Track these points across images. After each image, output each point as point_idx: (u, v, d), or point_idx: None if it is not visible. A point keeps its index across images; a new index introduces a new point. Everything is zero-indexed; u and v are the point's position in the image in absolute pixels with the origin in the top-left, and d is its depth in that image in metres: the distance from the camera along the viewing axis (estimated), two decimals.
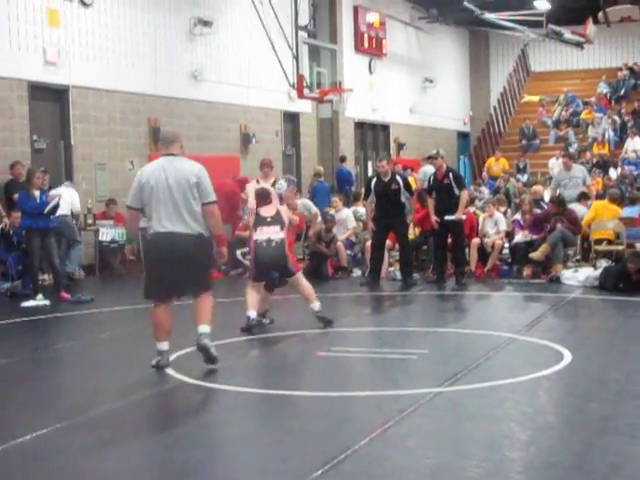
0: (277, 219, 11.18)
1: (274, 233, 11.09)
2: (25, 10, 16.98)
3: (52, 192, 14.90)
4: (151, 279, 9.09)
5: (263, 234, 11.11)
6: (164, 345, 8.99)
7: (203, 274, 9.09)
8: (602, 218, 16.72)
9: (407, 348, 10.03)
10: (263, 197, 11.51)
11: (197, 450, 6.49)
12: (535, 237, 15.94)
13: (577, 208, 17.08)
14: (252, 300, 11.11)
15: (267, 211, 11.27)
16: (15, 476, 6.11)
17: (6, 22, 16.57)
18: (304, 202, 18.02)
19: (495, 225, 16.53)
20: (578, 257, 16.42)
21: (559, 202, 16.39)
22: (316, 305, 11.27)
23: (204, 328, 8.93)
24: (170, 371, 8.90)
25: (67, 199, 15.97)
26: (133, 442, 6.83)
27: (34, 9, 17.17)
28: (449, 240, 15.75)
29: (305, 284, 11.30)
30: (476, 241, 16.28)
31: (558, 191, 17.88)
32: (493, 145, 35.20)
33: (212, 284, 9.28)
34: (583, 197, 17.92)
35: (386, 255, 16.22)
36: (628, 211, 17.12)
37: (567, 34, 33.01)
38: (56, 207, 14.54)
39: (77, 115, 18.21)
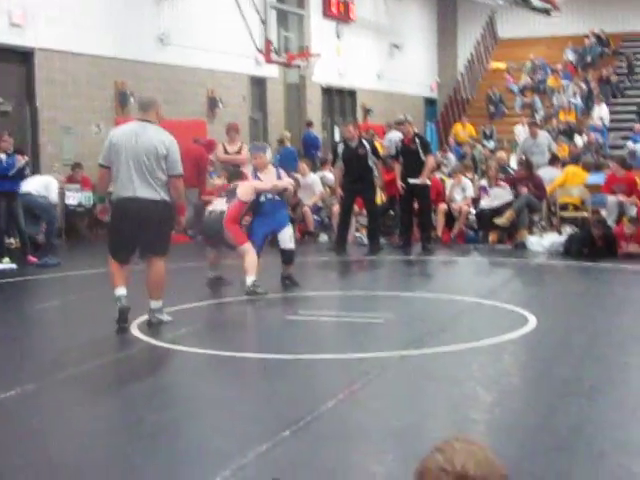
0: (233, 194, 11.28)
1: (222, 205, 11.24)
2: None
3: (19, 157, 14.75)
4: (114, 241, 9.29)
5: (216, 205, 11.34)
6: (121, 290, 9.12)
7: (162, 238, 9.22)
8: (572, 183, 16.84)
9: (373, 312, 10.11)
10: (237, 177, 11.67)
11: (166, 411, 6.55)
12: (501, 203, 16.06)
13: (549, 171, 17.30)
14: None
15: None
16: None
17: None
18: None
19: (462, 191, 16.63)
20: (543, 223, 16.53)
21: (527, 165, 16.55)
22: (249, 280, 10.93)
23: (155, 304, 9.28)
24: (137, 333, 8.95)
25: (51, 186, 15.79)
26: (103, 403, 6.87)
27: None
28: (415, 205, 15.82)
29: (247, 258, 11.09)
30: (443, 206, 16.37)
31: (524, 157, 18.05)
32: (460, 111, 35.22)
33: (167, 251, 9.36)
34: (555, 160, 18.18)
35: (353, 220, 16.27)
36: (594, 178, 17.25)
37: (535, 1, 33.05)
38: (23, 169, 14.44)
39: (43, 78, 18.07)
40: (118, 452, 5.85)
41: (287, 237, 11.75)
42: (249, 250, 11.17)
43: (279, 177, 11.74)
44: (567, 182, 16.90)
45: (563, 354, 8.24)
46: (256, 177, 11.63)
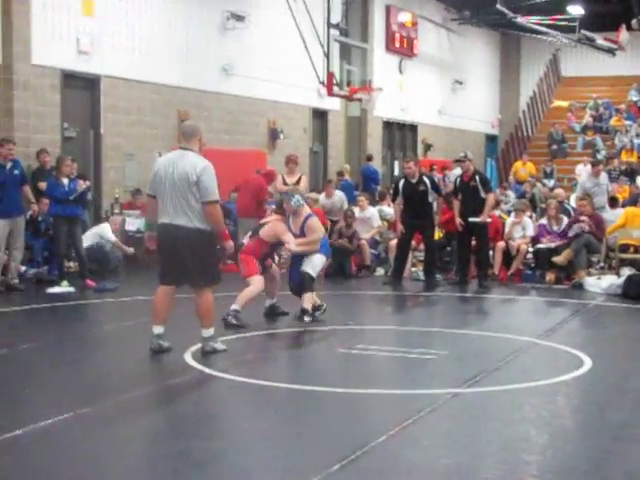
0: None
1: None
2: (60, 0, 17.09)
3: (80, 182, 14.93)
4: (160, 265, 9.57)
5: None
6: (157, 328, 9.39)
7: (201, 268, 9.27)
8: (632, 225, 16.67)
9: (427, 348, 10.06)
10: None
11: (215, 440, 6.57)
12: (559, 243, 15.94)
13: (609, 212, 17.28)
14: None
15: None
16: (33, 460, 6.16)
17: (41, 11, 16.67)
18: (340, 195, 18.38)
19: (522, 230, 16.51)
20: (602, 264, 16.37)
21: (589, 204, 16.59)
22: (233, 306, 11.06)
23: (206, 332, 9.41)
24: (190, 361, 9.00)
25: (105, 232, 16.21)
26: (153, 429, 6.92)
27: None
28: (473, 242, 15.78)
29: (249, 288, 11.25)
30: (501, 244, 16.26)
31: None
32: (521, 149, 35.09)
33: (213, 280, 9.46)
34: (615, 202, 18.13)
35: (410, 255, 16.25)
36: None
37: (599, 40, 32.91)
38: (84, 194, 14.65)
39: (107, 105, 18.33)
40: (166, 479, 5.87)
41: (307, 262, 11.67)
42: (255, 282, 11.30)
43: (304, 225, 11.73)
44: (627, 224, 16.73)
45: (618, 398, 8.14)
46: (289, 221, 11.78)
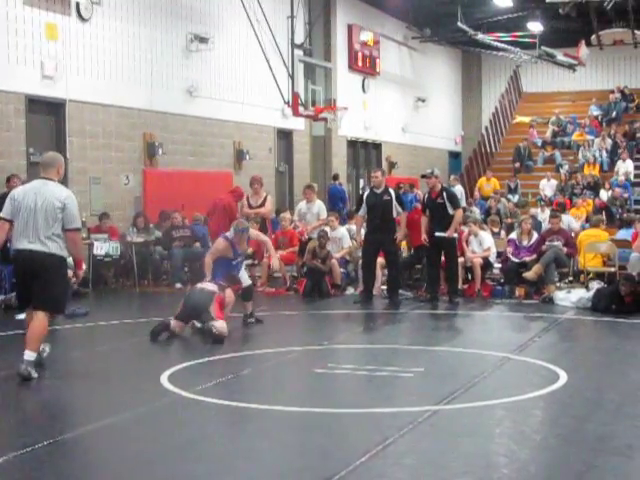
0: None
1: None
2: (24, 24, 17.01)
3: None
4: (17, 290, 10.15)
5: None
6: (26, 354, 9.38)
7: (49, 292, 9.45)
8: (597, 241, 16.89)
9: (403, 366, 10.08)
10: None
11: (200, 464, 6.54)
12: (528, 258, 16.04)
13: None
14: None
15: None
16: None
17: (5, 36, 16.60)
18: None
19: (480, 245, 16.59)
20: (570, 278, 16.49)
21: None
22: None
23: (30, 355, 9.39)
24: (168, 385, 8.96)
25: None
26: (135, 455, 6.85)
27: (32, 23, 17.20)
28: (442, 259, 15.81)
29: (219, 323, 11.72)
30: (461, 260, 16.30)
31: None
32: (484, 165, 35.28)
33: (56, 308, 9.74)
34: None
35: (379, 273, 16.26)
36: (622, 233, 17.26)
37: (560, 56, 33.19)
38: None
39: (73, 129, 18.24)
40: None
41: (245, 276, 13.26)
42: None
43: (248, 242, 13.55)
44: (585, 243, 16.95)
45: (596, 411, 8.18)
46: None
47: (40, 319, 9.46)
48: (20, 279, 9.73)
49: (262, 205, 17.72)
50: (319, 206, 18.58)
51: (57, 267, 9.47)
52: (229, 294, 12.56)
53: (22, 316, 13.66)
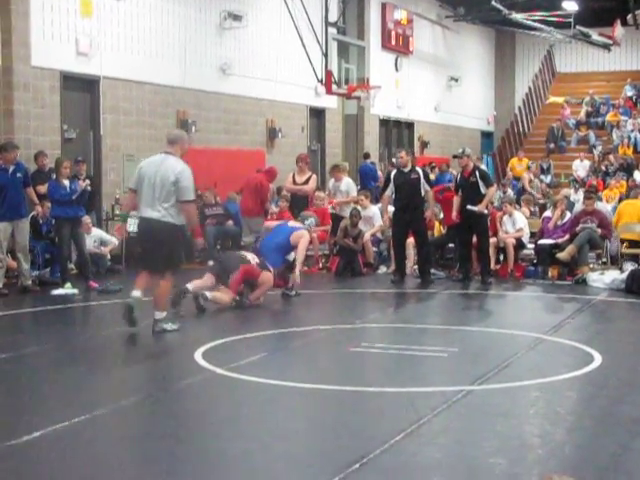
0: None
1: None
2: (59, 0, 17.05)
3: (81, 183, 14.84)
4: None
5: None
6: (135, 292, 10.50)
7: (166, 257, 10.45)
8: (630, 219, 16.76)
9: (436, 346, 10.08)
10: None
11: (233, 442, 6.57)
12: (561, 239, 15.96)
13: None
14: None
15: None
16: (48, 463, 6.16)
17: (40, 12, 16.64)
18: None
19: (513, 225, 16.52)
20: (605, 260, 16.39)
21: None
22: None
23: (159, 315, 10.55)
24: (203, 362, 8.99)
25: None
26: (169, 432, 6.88)
27: (68, 0, 17.26)
28: (474, 239, 15.74)
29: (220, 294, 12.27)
30: (493, 240, 16.22)
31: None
32: (517, 145, 35.13)
33: (173, 267, 10.67)
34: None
35: (411, 252, 16.22)
36: None
37: (594, 36, 32.95)
38: (85, 192, 14.56)
39: (107, 106, 18.31)
40: None
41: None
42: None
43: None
44: (624, 215, 16.82)
45: (631, 393, 8.15)
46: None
47: (162, 282, 10.50)
48: (142, 244, 10.75)
49: (306, 183, 17.73)
50: (347, 184, 18.54)
51: (172, 234, 10.41)
52: (268, 278, 12.64)
53: (59, 292, 13.87)
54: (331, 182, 18.96)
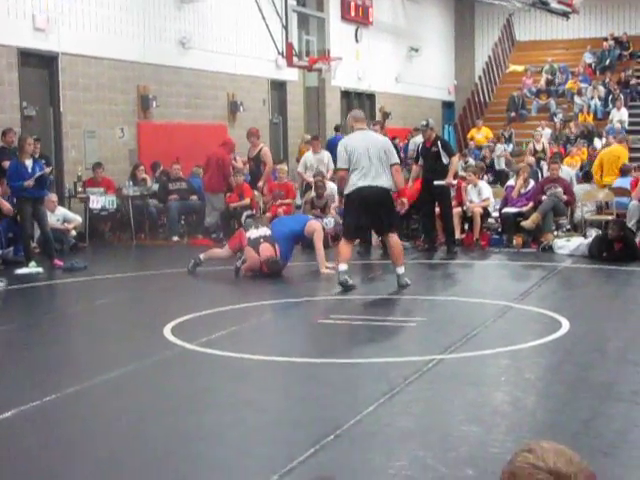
0: None
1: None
2: None
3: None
4: (351, 222, 11.75)
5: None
6: (343, 266, 11.53)
7: (391, 217, 11.81)
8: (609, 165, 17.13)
9: (405, 316, 10.12)
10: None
11: (207, 415, 6.57)
12: (525, 208, 16.01)
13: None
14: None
15: None
16: (23, 442, 6.12)
17: None
18: None
19: (478, 194, 16.55)
20: (569, 226, 16.48)
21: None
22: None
23: (400, 269, 11.76)
24: (172, 337, 8.95)
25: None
26: (140, 408, 6.87)
27: None
28: (437, 209, 15.75)
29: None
30: (457, 209, 16.24)
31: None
32: (478, 114, 35.14)
33: (396, 227, 12.21)
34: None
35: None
36: (620, 181, 17.24)
37: (553, 3, 32.96)
38: (43, 177, 14.33)
39: (66, 82, 18.08)
40: (160, 456, 5.84)
41: None
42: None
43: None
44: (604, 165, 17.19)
45: (600, 358, 8.23)
46: None
47: (395, 239, 11.81)
48: (363, 209, 11.46)
49: (258, 156, 17.73)
50: (327, 156, 18.62)
51: (391, 197, 11.71)
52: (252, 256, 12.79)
53: (23, 271, 13.74)
54: (309, 154, 18.93)
